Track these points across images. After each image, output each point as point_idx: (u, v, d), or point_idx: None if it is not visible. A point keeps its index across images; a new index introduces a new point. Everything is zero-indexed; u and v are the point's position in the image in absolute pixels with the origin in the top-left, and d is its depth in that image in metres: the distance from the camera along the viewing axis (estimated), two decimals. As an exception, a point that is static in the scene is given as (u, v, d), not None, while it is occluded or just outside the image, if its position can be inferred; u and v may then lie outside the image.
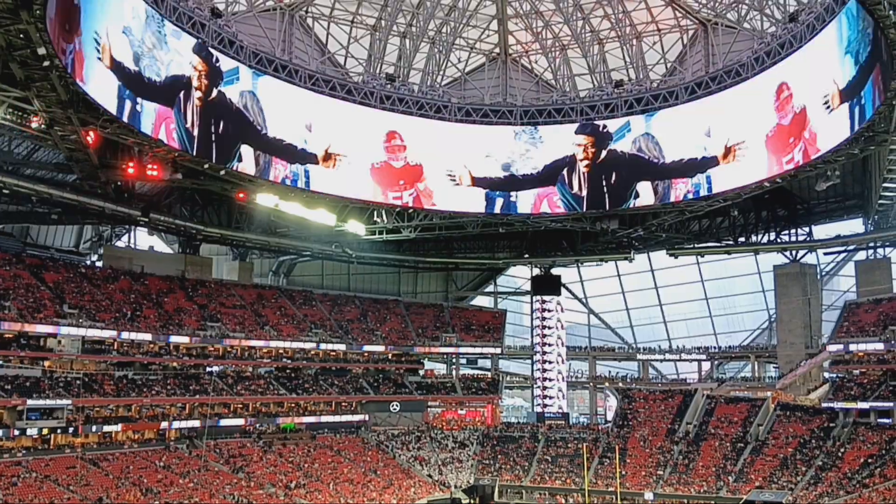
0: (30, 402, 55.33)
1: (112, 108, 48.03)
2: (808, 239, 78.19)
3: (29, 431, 55.60)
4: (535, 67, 77.12)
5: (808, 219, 78.48)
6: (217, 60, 58.25)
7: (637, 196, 68.02)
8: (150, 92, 51.96)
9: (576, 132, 69.77)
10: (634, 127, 68.10)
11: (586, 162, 69.40)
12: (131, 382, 64.87)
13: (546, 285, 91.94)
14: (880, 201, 63.16)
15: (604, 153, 69.12)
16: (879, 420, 65.03)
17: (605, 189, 69.19)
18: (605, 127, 69.05)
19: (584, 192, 69.61)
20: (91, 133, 49.96)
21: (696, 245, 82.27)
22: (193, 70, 56.25)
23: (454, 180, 70.64)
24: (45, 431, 56.73)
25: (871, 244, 75.86)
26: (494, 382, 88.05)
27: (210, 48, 57.66)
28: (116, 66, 48.14)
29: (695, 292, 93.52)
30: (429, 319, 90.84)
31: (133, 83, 50.10)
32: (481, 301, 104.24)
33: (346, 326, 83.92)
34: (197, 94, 56.52)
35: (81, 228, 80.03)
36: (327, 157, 66.05)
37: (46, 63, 39.06)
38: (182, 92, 55.25)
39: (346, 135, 66.62)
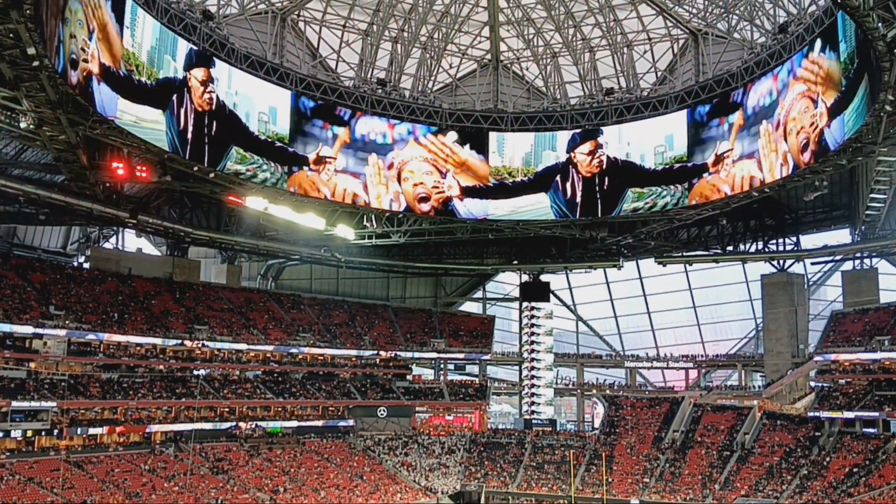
0: (14, 403, 55.00)
1: (102, 110, 47.80)
2: (795, 248, 78.59)
3: (13, 433, 55.24)
4: (527, 74, 77.33)
5: (795, 228, 78.92)
6: (212, 64, 58.20)
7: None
8: (141, 95, 51.71)
9: (581, 139, 69.99)
10: (625, 133, 68.55)
11: (590, 170, 69.41)
12: (117, 385, 64.53)
13: (535, 292, 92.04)
14: (867, 212, 63.48)
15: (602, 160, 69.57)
16: (865, 430, 65.36)
17: (598, 195, 69.37)
18: (601, 133, 69.46)
19: (579, 199, 69.71)
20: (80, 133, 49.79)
21: (684, 253, 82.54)
22: (187, 73, 56.14)
23: (442, 193, 70.69)
24: (29, 433, 56.39)
25: (858, 254, 76.24)
26: (482, 388, 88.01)
27: (202, 50, 57.60)
28: (105, 72, 47.87)
29: (683, 300, 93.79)
30: (417, 325, 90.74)
31: (122, 87, 49.81)
32: (470, 307, 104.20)
33: (335, 331, 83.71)
34: (190, 97, 56.41)
35: (69, 229, 79.61)
36: (318, 160, 66.00)
37: (36, 63, 38.82)
38: (175, 95, 55.07)
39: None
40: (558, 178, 70.35)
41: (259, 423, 72.25)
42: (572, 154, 70.01)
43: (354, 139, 68.10)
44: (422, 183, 70.41)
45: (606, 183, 69.10)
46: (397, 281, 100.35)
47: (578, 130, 70.23)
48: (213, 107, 58.38)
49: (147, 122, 52.24)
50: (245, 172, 61.11)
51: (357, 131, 68.29)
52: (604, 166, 69.04)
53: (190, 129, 56.33)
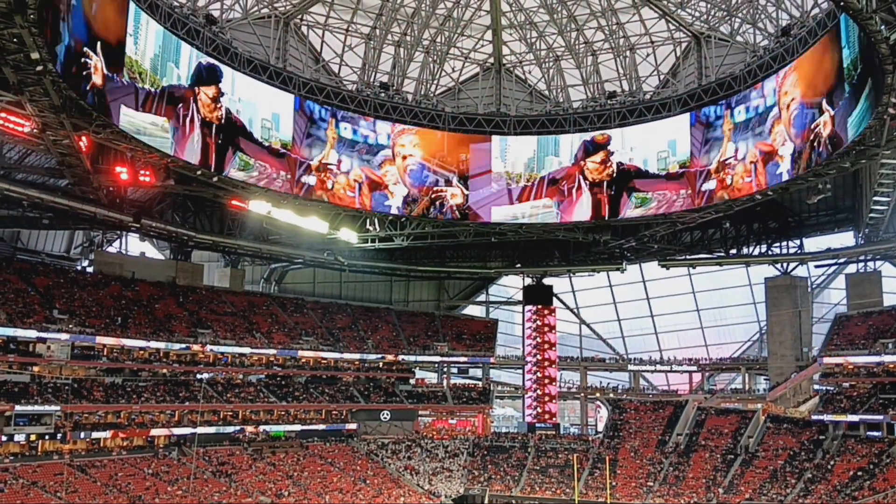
0: (18, 407, 55.00)
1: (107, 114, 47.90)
2: (799, 251, 78.47)
3: (16, 437, 55.16)
4: (529, 78, 77.38)
5: (799, 231, 78.82)
6: (220, 77, 58.37)
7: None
8: (144, 103, 51.68)
9: (593, 149, 69.73)
10: (628, 138, 68.54)
11: (599, 177, 69.37)
12: (121, 389, 64.56)
13: (538, 295, 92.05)
14: (871, 215, 63.37)
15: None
16: (869, 433, 65.12)
17: (605, 200, 69.51)
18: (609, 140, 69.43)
19: (586, 204, 69.78)
20: (83, 138, 49.86)
21: (687, 256, 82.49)
22: (196, 88, 56.36)
23: (443, 203, 70.64)
24: (32, 438, 56.28)
25: (862, 257, 76.13)
26: (485, 392, 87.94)
27: (208, 61, 57.65)
28: (108, 80, 47.82)
29: (686, 304, 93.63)
30: (420, 328, 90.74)
31: (125, 95, 49.81)
32: (473, 310, 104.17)
33: (338, 334, 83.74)
34: (197, 107, 56.50)
35: (73, 234, 79.62)
36: (321, 167, 66.03)
37: (40, 67, 38.95)
38: (180, 104, 55.16)
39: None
40: (564, 183, 70.33)
41: (262, 426, 72.23)
42: (582, 162, 69.90)
43: (357, 141, 68.20)
44: (411, 155, 70.40)
45: (613, 188, 69.06)
46: (400, 284, 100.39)
47: (588, 138, 69.86)
48: (223, 120, 58.75)
49: (151, 127, 52.34)
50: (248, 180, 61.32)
51: (359, 134, 68.45)
52: (614, 175, 69.03)
53: (196, 137, 56.52)
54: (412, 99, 72.41)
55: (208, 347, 70.54)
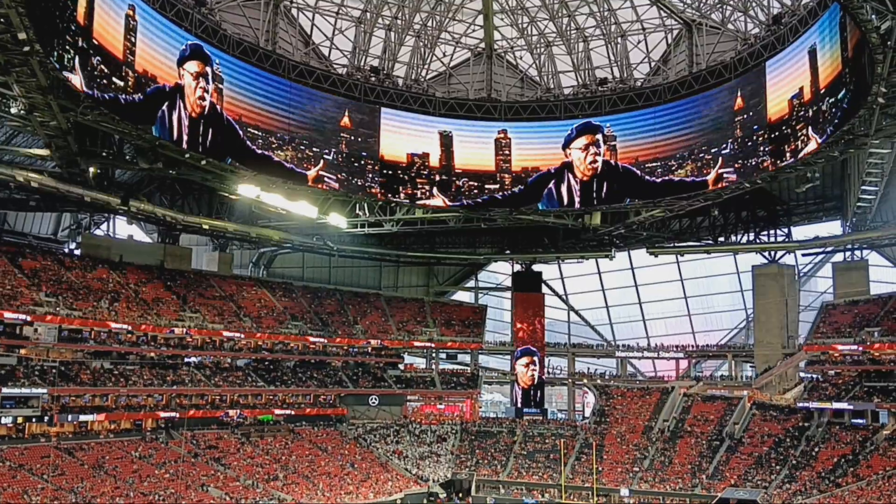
0: (4, 390, 54.72)
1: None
2: (786, 240, 78.84)
3: (3, 420, 54.95)
4: (520, 63, 77.15)
5: (787, 220, 79.17)
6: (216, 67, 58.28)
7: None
8: (128, 112, 51.19)
9: (578, 132, 69.80)
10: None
11: (587, 167, 69.56)
12: (108, 372, 64.36)
13: (527, 282, 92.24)
14: (858, 204, 63.74)
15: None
16: (853, 420, 65.76)
17: (594, 202, 69.88)
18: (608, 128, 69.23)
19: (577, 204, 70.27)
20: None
21: (676, 244, 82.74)
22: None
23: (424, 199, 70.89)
24: (19, 420, 56.09)
25: (849, 246, 76.57)
26: (474, 377, 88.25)
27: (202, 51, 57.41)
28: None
29: (674, 291, 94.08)
30: (409, 313, 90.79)
31: (109, 106, 49.45)
32: (462, 296, 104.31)
33: (326, 319, 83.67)
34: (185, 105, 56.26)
35: (60, 216, 79.12)
36: (318, 178, 65.89)
37: (27, 48, 38.56)
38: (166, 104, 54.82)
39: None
40: (552, 184, 70.55)
41: (251, 410, 72.22)
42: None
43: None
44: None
45: (605, 189, 69.13)
46: (389, 270, 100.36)
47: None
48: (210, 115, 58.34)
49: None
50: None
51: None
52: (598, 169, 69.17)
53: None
54: (402, 83, 72.12)
55: (196, 327, 70.22)
